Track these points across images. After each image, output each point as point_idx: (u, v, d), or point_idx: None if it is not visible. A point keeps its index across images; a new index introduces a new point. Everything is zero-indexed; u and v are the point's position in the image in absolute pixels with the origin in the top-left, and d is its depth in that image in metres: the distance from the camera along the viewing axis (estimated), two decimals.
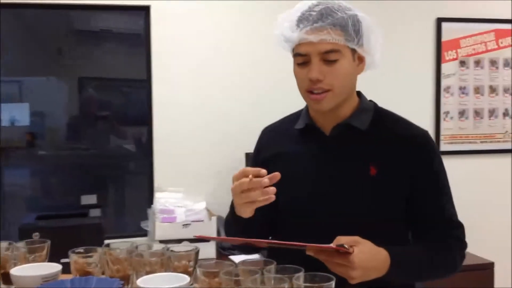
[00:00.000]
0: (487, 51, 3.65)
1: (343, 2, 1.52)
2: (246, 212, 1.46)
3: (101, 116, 3.41)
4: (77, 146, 3.42)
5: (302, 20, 1.48)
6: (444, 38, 3.58)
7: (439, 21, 3.56)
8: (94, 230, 2.70)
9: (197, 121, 3.21)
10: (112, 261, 1.37)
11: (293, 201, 1.58)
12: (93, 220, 2.78)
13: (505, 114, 3.69)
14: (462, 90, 3.63)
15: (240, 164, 3.14)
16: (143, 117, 3.33)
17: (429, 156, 1.54)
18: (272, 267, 1.24)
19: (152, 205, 3.05)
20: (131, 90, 3.58)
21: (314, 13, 1.47)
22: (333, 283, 1.14)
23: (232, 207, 1.55)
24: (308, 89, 1.51)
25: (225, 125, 3.23)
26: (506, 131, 3.68)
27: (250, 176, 1.37)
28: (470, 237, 1.58)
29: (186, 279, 1.24)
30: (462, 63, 3.62)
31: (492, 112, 3.67)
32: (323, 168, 1.56)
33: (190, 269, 1.37)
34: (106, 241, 2.72)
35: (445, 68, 3.59)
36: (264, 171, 1.37)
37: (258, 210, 1.46)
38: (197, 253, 1.40)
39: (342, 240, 1.30)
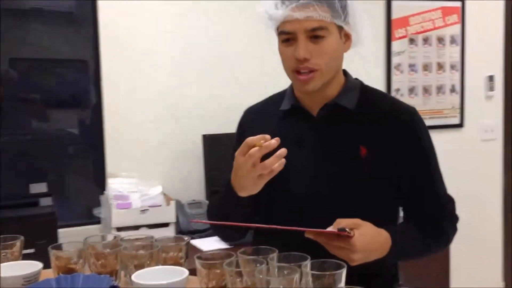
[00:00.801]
0: (434, 28, 3.70)
1: None
2: (259, 186, 1.39)
3: (27, 98, 3.19)
4: (11, 132, 3.21)
5: None
6: (394, 16, 3.60)
7: None
8: (47, 219, 2.54)
9: (150, 103, 3.08)
10: (95, 256, 1.28)
11: (282, 184, 1.53)
12: (45, 210, 2.61)
13: (452, 90, 3.76)
14: (412, 67, 3.67)
15: (197, 146, 3.06)
16: (82, 99, 3.17)
17: (418, 133, 1.53)
18: (275, 255, 1.19)
19: (105, 192, 2.92)
20: (67, 71, 3.40)
21: None
22: (344, 270, 1.10)
23: (227, 188, 1.47)
24: (295, 69, 1.46)
25: (181, 107, 3.12)
26: (453, 107, 3.76)
27: (262, 142, 1.31)
28: None
29: (184, 272, 1.17)
30: (411, 41, 3.66)
31: (439, 89, 3.74)
32: (312, 149, 1.52)
33: (182, 261, 1.30)
34: (60, 230, 2.63)
35: (395, 46, 3.62)
36: (267, 136, 1.31)
37: None
38: (187, 243, 1.33)
39: (342, 223, 1.27)
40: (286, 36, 1.45)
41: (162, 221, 2.75)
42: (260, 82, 3.21)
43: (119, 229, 2.67)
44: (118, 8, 3.01)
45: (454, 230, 1.57)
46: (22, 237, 1.35)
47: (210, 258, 1.19)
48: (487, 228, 3.80)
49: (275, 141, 1.30)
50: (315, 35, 1.42)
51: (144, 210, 2.73)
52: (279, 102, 1.62)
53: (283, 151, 1.32)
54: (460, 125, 3.76)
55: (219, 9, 3.19)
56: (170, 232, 2.77)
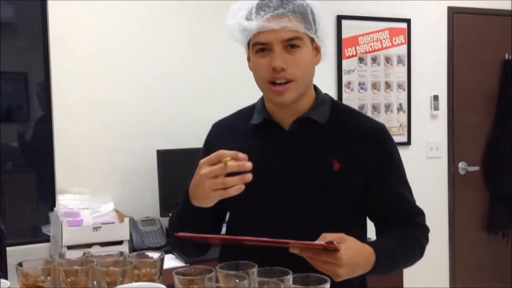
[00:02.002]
0: (382, 48, 3.81)
1: None
2: (212, 200, 1.35)
3: None
4: None
5: (262, 7, 1.43)
6: (344, 35, 3.68)
7: (339, 18, 3.65)
8: None
9: (103, 117, 3.00)
10: (65, 273, 1.22)
11: (254, 197, 1.51)
12: None
13: (399, 108, 3.87)
14: (361, 85, 3.75)
15: (151, 162, 3.00)
16: (23, 112, 3.08)
17: (388, 149, 1.56)
18: (255, 270, 1.17)
19: (54, 208, 2.82)
20: (5, 84, 3.28)
21: (274, 0, 1.42)
22: (328, 284, 1.09)
23: (185, 197, 1.44)
24: (270, 80, 1.45)
25: (135, 122, 3.06)
26: (401, 125, 3.86)
27: (229, 158, 1.28)
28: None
29: None
30: (361, 60, 3.74)
31: (388, 107, 3.83)
32: (284, 164, 1.51)
33: (155, 277, 1.26)
34: (8, 249, 2.51)
35: (346, 64, 3.69)
36: (242, 154, 1.29)
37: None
38: (162, 259, 1.29)
39: (328, 237, 1.26)
40: (261, 47, 1.44)
41: (115, 238, 2.66)
42: (216, 98, 3.20)
43: (70, 247, 2.58)
44: (68, 19, 2.94)
45: (427, 240, 1.60)
46: None
47: (189, 274, 1.16)
48: (434, 243, 3.86)
49: (248, 165, 1.28)
50: (290, 45, 1.42)
51: (96, 227, 2.65)
52: (248, 116, 1.61)
53: (248, 176, 1.28)
54: (407, 143, 3.86)
55: (171, 23, 3.17)
56: (124, 250, 2.69)
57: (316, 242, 1.23)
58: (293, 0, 1.43)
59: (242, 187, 1.29)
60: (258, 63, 1.47)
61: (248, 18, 1.45)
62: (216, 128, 1.69)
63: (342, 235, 1.30)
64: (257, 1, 1.45)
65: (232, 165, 1.28)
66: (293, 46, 1.42)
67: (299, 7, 1.43)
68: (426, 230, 1.60)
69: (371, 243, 1.40)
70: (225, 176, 1.29)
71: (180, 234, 1.33)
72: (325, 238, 1.26)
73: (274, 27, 1.40)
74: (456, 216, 4.06)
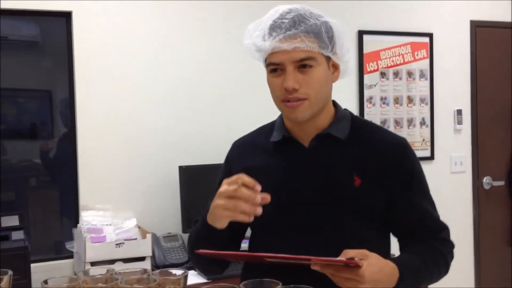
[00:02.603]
0: (404, 63, 3.79)
1: (314, 9, 1.48)
2: (222, 221, 1.37)
3: None
4: None
5: (275, 28, 1.43)
6: (366, 50, 3.67)
7: (361, 33, 3.64)
8: (19, 254, 2.45)
9: (125, 133, 3.03)
10: None
11: (272, 215, 1.50)
12: (17, 244, 2.52)
13: (422, 123, 3.83)
14: (383, 100, 3.73)
15: (173, 178, 3.01)
16: (47, 129, 3.12)
17: (410, 163, 1.54)
18: None
19: (78, 225, 2.84)
20: (30, 101, 3.33)
21: (286, 21, 1.43)
22: None
23: (204, 217, 1.45)
24: (284, 99, 1.45)
25: (157, 138, 3.08)
26: (423, 139, 3.83)
27: (240, 182, 1.30)
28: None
29: None
30: (383, 74, 3.73)
31: (410, 122, 3.80)
32: (305, 181, 1.50)
33: None
34: (32, 265, 2.53)
35: (367, 79, 3.68)
36: (258, 187, 1.30)
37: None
38: (186, 277, 1.28)
39: (350, 253, 1.25)
40: (274, 67, 1.45)
41: (138, 255, 2.68)
42: (238, 114, 3.21)
43: (93, 263, 2.59)
44: (92, 37, 2.98)
45: (451, 255, 1.57)
46: (10, 272, 1.28)
47: None
48: (459, 259, 3.82)
49: (260, 198, 1.29)
50: (303, 65, 1.42)
51: (119, 243, 2.66)
52: (268, 133, 1.61)
53: (259, 210, 1.30)
54: (431, 158, 3.82)
55: (197, 42, 3.19)
56: (146, 266, 2.70)
57: (338, 258, 1.22)
58: (306, 20, 1.43)
59: (251, 218, 1.31)
60: (272, 83, 1.48)
61: (262, 38, 1.46)
62: (236, 147, 1.70)
63: (364, 251, 1.28)
64: (271, 22, 1.45)
65: (244, 192, 1.29)
66: (305, 66, 1.42)
67: (312, 26, 1.42)
68: (450, 245, 1.58)
69: (394, 259, 1.38)
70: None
71: (201, 251, 1.34)
72: (346, 254, 1.25)
73: (286, 48, 1.41)
74: (481, 232, 4.00)
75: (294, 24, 1.42)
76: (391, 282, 1.34)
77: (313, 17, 1.44)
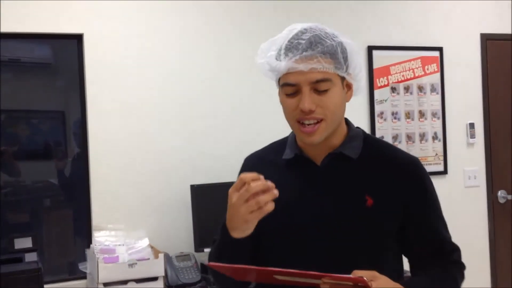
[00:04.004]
0: (415, 77, 3.78)
1: (328, 28, 1.48)
2: (251, 226, 1.35)
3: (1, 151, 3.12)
4: None
5: (291, 48, 1.41)
6: (376, 65, 3.67)
7: (370, 49, 3.65)
8: (32, 276, 2.47)
9: (137, 153, 3.05)
10: None
11: (283, 235, 1.50)
12: (30, 266, 2.53)
13: (434, 137, 3.81)
14: (394, 115, 3.72)
15: (185, 197, 3.01)
16: (60, 150, 3.15)
17: (423, 183, 1.53)
18: None
19: (91, 245, 2.84)
20: (43, 122, 3.36)
21: (302, 41, 1.40)
22: None
23: (223, 231, 1.44)
24: (299, 120, 1.44)
25: (168, 157, 3.09)
26: (436, 154, 3.81)
27: (248, 180, 1.29)
28: None
29: None
30: (393, 89, 3.72)
31: (422, 136, 3.79)
32: (316, 200, 1.49)
33: None
34: (45, 287, 2.54)
35: (378, 94, 3.68)
36: (262, 177, 1.29)
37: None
38: None
39: (359, 273, 1.24)
40: (291, 89, 1.43)
41: (150, 275, 2.68)
42: (250, 132, 3.22)
43: (106, 284, 2.60)
44: (104, 59, 3.01)
45: (462, 277, 1.54)
46: None
47: None
48: (475, 275, 3.78)
49: (270, 183, 1.28)
50: (319, 88, 1.42)
51: (132, 264, 2.66)
52: (280, 150, 1.60)
53: (276, 192, 1.29)
54: (444, 172, 3.80)
55: (208, 62, 3.21)
56: (159, 286, 2.70)
57: (347, 276, 1.21)
58: (322, 41, 1.41)
59: (273, 204, 1.30)
60: (286, 103, 1.46)
61: (277, 58, 1.44)
62: (248, 162, 1.69)
63: (374, 272, 1.27)
64: (286, 42, 1.44)
65: (256, 185, 1.28)
66: (321, 89, 1.41)
67: (328, 47, 1.41)
68: (462, 267, 1.55)
69: (404, 283, 1.37)
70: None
71: (212, 264, 1.33)
72: (355, 274, 1.24)
73: (302, 69, 1.39)
74: (497, 246, 3.95)
75: (310, 45, 1.40)
76: None
77: (329, 38, 1.43)
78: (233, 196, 1.32)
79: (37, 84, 3.26)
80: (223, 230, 1.42)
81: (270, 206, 1.30)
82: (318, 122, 1.43)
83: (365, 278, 1.20)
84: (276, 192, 1.29)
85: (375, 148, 1.55)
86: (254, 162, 1.67)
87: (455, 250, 1.55)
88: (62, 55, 3.26)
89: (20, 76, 3.23)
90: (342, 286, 1.23)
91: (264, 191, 1.29)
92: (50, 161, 3.25)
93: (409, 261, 1.56)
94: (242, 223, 1.35)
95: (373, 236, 1.46)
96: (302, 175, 1.54)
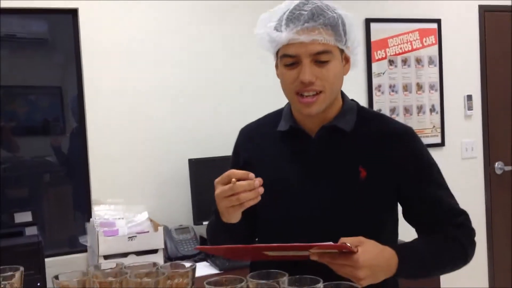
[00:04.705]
0: (412, 50, 3.77)
1: (329, 2, 1.47)
2: (234, 216, 1.39)
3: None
4: None
5: (292, 19, 1.41)
6: (373, 38, 3.66)
7: (368, 21, 3.63)
8: (33, 249, 2.49)
9: (134, 128, 3.05)
10: (100, 285, 1.24)
11: (277, 206, 1.52)
12: (30, 239, 2.55)
13: (432, 110, 3.82)
14: (392, 88, 3.72)
15: (183, 171, 3.03)
16: (58, 126, 3.17)
17: (417, 152, 1.53)
18: (286, 279, 1.17)
19: (90, 219, 2.87)
20: (41, 98, 3.36)
21: (304, 12, 1.40)
22: None
23: (216, 213, 1.46)
24: (298, 91, 1.44)
25: (166, 132, 3.10)
26: (434, 126, 3.82)
27: (233, 180, 1.31)
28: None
29: None
30: (391, 62, 3.71)
31: (420, 109, 3.79)
32: (309, 172, 1.51)
33: (188, 287, 1.28)
34: (46, 260, 2.57)
35: (375, 67, 3.67)
36: (252, 174, 1.31)
37: (242, 214, 1.40)
38: (194, 269, 1.30)
39: (346, 240, 1.26)
40: (290, 60, 1.43)
41: (150, 247, 2.70)
42: (245, 105, 3.22)
43: (107, 257, 2.63)
44: (99, 34, 3.00)
45: (470, 241, 1.52)
46: (22, 268, 1.31)
47: (220, 283, 1.17)
48: None
49: (258, 182, 1.30)
50: (319, 59, 1.42)
51: (131, 237, 2.69)
52: (275, 122, 1.61)
53: (261, 189, 1.32)
54: (441, 144, 3.81)
55: (204, 35, 3.20)
56: (159, 258, 2.73)
57: (331, 243, 1.23)
58: (324, 13, 1.41)
59: (258, 198, 1.32)
60: (286, 75, 1.46)
61: (277, 29, 1.43)
62: (243, 134, 1.70)
63: (360, 238, 1.29)
64: (288, 13, 1.43)
65: (241, 184, 1.30)
66: (322, 62, 1.42)
67: (330, 19, 1.41)
68: (468, 230, 1.53)
69: (393, 246, 1.38)
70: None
71: (199, 247, 1.37)
72: (342, 241, 1.26)
73: (304, 40, 1.39)
74: (493, 217, 3.98)
75: (312, 16, 1.40)
76: (390, 267, 1.34)
77: (330, 10, 1.43)
78: (217, 188, 1.35)
79: (34, 59, 3.25)
80: (216, 213, 1.45)
81: (252, 203, 1.33)
82: (317, 94, 1.43)
83: (348, 244, 1.22)
84: (261, 191, 1.32)
85: (369, 120, 1.56)
86: (249, 134, 1.68)
87: (461, 214, 1.53)
88: (58, 31, 3.24)
89: (16, 52, 3.21)
90: (329, 254, 1.25)
91: (250, 188, 1.31)
92: (48, 137, 3.26)
93: (416, 230, 1.56)
94: (224, 213, 1.39)
95: (367, 208, 1.48)
96: (296, 147, 1.55)
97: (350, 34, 1.47)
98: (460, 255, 1.49)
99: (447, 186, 1.56)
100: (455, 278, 3.34)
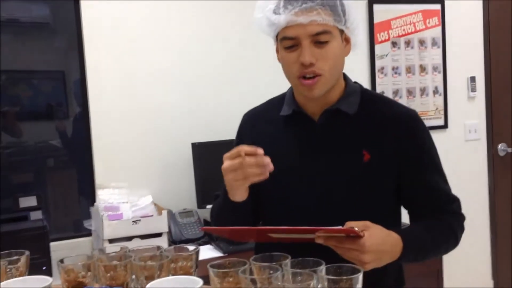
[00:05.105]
0: (416, 31, 3.75)
1: None
2: (239, 192, 1.41)
3: (3, 111, 3.12)
4: None
5: (290, 1, 1.41)
6: (376, 20, 3.63)
7: (371, 3, 3.61)
8: (38, 233, 2.51)
9: (137, 112, 3.04)
10: (105, 268, 1.26)
11: (281, 189, 1.53)
12: (35, 224, 2.57)
13: (435, 92, 3.81)
14: (395, 70, 3.71)
15: (187, 155, 3.04)
16: (62, 110, 3.17)
17: (420, 136, 1.54)
18: (288, 261, 1.18)
19: (95, 203, 2.89)
20: (44, 83, 3.36)
21: None
22: (361, 274, 1.10)
23: (224, 192, 1.48)
24: (300, 74, 1.45)
25: (169, 115, 3.09)
26: (437, 108, 3.81)
27: (242, 154, 1.33)
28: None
29: (198, 281, 1.16)
30: (394, 44, 3.70)
31: (423, 91, 3.78)
32: (314, 156, 1.51)
33: (192, 270, 1.29)
34: (51, 244, 2.59)
35: (378, 49, 3.65)
36: (261, 150, 1.32)
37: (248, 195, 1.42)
38: (197, 252, 1.31)
39: (352, 224, 1.27)
40: (290, 42, 1.43)
41: (154, 231, 2.72)
42: (249, 89, 3.22)
43: (111, 240, 2.64)
44: (101, 18, 2.98)
45: (461, 228, 1.56)
46: (27, 252, 1.32)
47: (223, 266, 1.18)
48: (475, 228, 3.85)
49: (267, 160, 1.33)
50: (319, 40, 1.42)
51: (136, 220, 2.70)
52: (278, 107, 1.62)
53: (270, 167, 1.34)
54: (444, 126, 3.81)
55: (206, 18, 3.18)
56: (163, 242, 2.75)
57: (339, 227, 1.24)
58: None
59: (266, 174, 1.34)
60: (286, 58, 1.46)
61: (275, 12, 1.44)
62: (246, 118, 1.71)
63: (366, 222, 1.30)
64: None
65: (249, 161, 1.31)
66: (321, 42, 1.41)
67: (327, 0, 1.42)
68: (460, 217, 1.57)
69: (398, 230, 1.39)
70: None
71: (204, 228, 1.39)
72: (348, 225, 1.27)
73: (302, 21, 1.39)
74: (497, 199, 3.98)
75: None
76: (395, 253, 1.36)
77: None
78: (225, 162, 1.37)
79: (36, 44, 3.24)
80: (224, 191, 1.46)
81: (258, 178, 1.35)
82: (317, 76, 1.44)
83: (356, 229, 1.22)
84: (270, 168, 1.34)
85: (372, 103, 1.56)
86: (252, 119, 1.69)
87: (454, 200, 1.57)
88: (60, 15, 3.23)
89: (19, 36, 3.21)
90: (335, 238, 1.26)
91: (258, 164, 1.32)
92: (52, 122, 3.26)
93: (408, 213, 1.59)
94: (230, 188, 1.40)
95: (370, 190, 1.49)
96: (299, 131, 1.55)
97: (349, 14, 1.46)
98: (453, 241, 1.54)
99: (443, 172, 1.59)
100: (457, 262, 3.38)
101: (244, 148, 1.33)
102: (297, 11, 1.40)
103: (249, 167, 1.32)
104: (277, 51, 1.53)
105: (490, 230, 3.98)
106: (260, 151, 1.33)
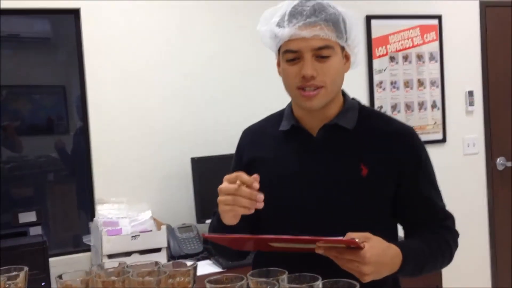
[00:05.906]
0: (413, 46, 3.77)
1: (330, 1, 1.51)
2: (228, 216, 1.42)
3: (4, 126, 3.14)
4: None
5: (295, 14, 1.45)
6: (374, 35, 3.66)
7: (368, 18, 3.64)
8: (37, 249, 2.51)
9: (137, 127, 3.07)
10: (103, 284, 1.26)
11: (280, 206, 1.54)
12: (35, 239, 2.57)
13: (433, 106, 3.83)
14: (393, 84, 3.73)
15: (186, 169, 3.05)
16: (62, 125, 3.19)
17: (417, 153, 1.55)
18: (285, 277, 1.19)
19: (94, 218, 2.89)
20: (45, 97, 3.37)
21: (307, 8, 1.45)
22: None
23: (218, 213, 1.49)
24: (300, 86, 1.47)
25: (169, 130, 3.11)
26: (435, 122, 3.82)
27: (238, 182, 1.34)
28: None
29: None
30: (392, 59, 3.72)
31: (421, 105, 3.80)
32: (312, 171, 1.53)
33: (189, 286, 1.29)
34: (50, 259, 2.59)
35: (376, 63, 3.68)
36: (256, 184, 1.34)
37: (243, 216, 1.42)
38: (195, 268, 1.32)
39: (352, 236, 1.27)
40: (292, 55, 1.46)
41: (153, 246, 2.72)
42: (248, 104, 3.23)
43: (110, 256, 2.64)
44: (101, 33, 3.01)
45: (456, 245, 1.57)
46: (26, 268, 1.33)
47: (220, 282, 1.19)
48: (474, 242, 3.84)
49: (260, 197, 1.33)
50: (321, 54, 1.44)
51: (135, 236, 2.70)
52: (277, 122, 1.63)
53: (259, 204, 1.35)
54: (443, 141, 3.82)
55: (207, 32, 3.21)
56: (162, 257, 2.75)
57: (339, 238, 1.24)
58: (325, 9, 1.45)
59: (252, 210, 1.35)
60: (288, 70, 1.49)
61: (280, 25, 1.47)
62: (246, 134, 1.73)
63: (367, 234, 1.31)
64: (290, 9, 1.47)
65: (244, 191, 1.33)
66: (323, 56, 1.44)
67: (331, 16, 1.44)
68: (455, 234, 1.59)
69: (397, 243, 1.40)
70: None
71: (206, 235, 1.39)
72: (349, 236, 1.27)
73: (305, 35, 1.42)
74: (496, 213, 3.99)
75: (314, 12, 1.44)
76: (394, 265, 1.36)
77: (331, 7, 1.48)
78: (223, 183, 1.38)
79: (37, 59, 3.27)
80: (218, 213, 1.47)
81: (244, 211, 1.36)
82: (318, 88, 1.46)
83: (356, 240, 1.23)
84: (259, 206, 1.35)
85: (370, 118, 1.58)
86: (252, 134, 1.70)
87: (448, 217, 1.58)
88: (61, 30, 3.26)
89: (20, 51, 3.23)
90: (335, 249, 1.26)
91: (251, 197, 1.34)
92: (52, 136, 3.28)
93: (403, 228, 1.60)
94: (220, 210, 1.41)
95: (368, 205, 1.50)
96: (298, 146, 1.57)
97: (351, 32, 1.49)
98: (449, 257, 1.55)
99: (439, 188, 1.61)
100: (457, 277, 3.37)
101: (243, 176, 1.35)
102: (301, 25, 1.43)
103: (241, 197, 1.34)
104: (278, 64, 1.56)
105: (490, 245, 3.98)
106: (256, 185, 1.34)
